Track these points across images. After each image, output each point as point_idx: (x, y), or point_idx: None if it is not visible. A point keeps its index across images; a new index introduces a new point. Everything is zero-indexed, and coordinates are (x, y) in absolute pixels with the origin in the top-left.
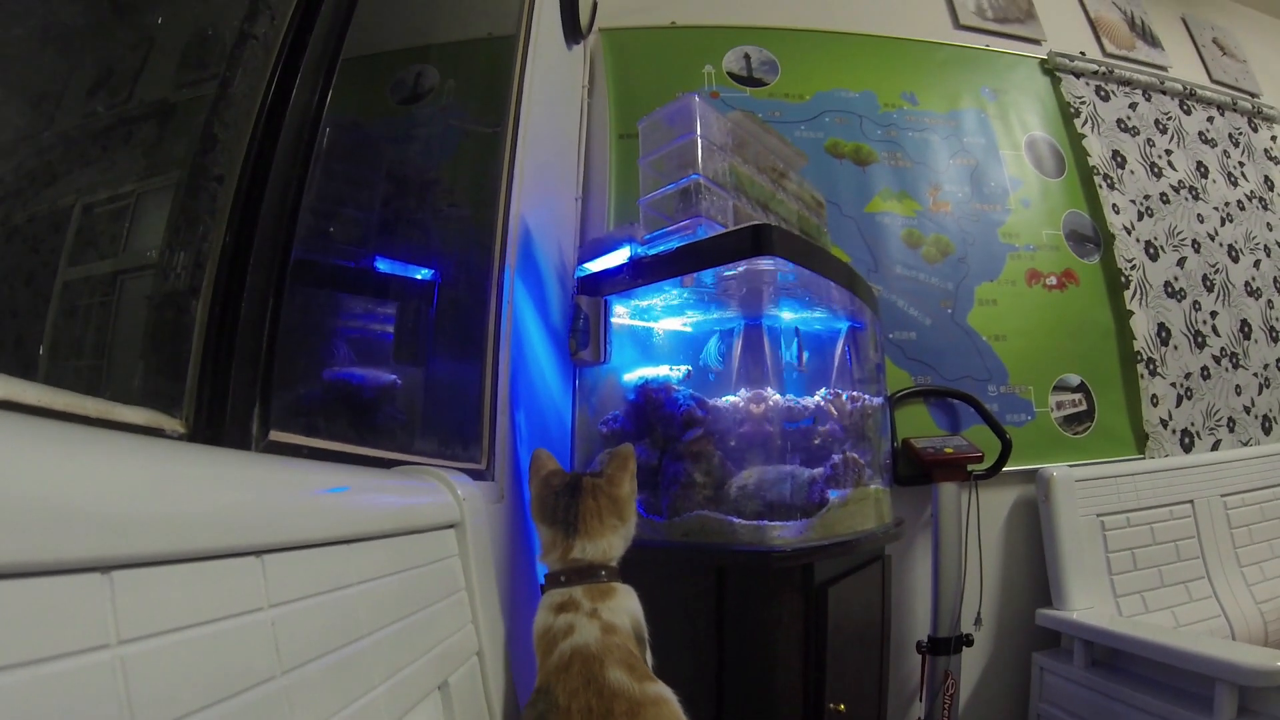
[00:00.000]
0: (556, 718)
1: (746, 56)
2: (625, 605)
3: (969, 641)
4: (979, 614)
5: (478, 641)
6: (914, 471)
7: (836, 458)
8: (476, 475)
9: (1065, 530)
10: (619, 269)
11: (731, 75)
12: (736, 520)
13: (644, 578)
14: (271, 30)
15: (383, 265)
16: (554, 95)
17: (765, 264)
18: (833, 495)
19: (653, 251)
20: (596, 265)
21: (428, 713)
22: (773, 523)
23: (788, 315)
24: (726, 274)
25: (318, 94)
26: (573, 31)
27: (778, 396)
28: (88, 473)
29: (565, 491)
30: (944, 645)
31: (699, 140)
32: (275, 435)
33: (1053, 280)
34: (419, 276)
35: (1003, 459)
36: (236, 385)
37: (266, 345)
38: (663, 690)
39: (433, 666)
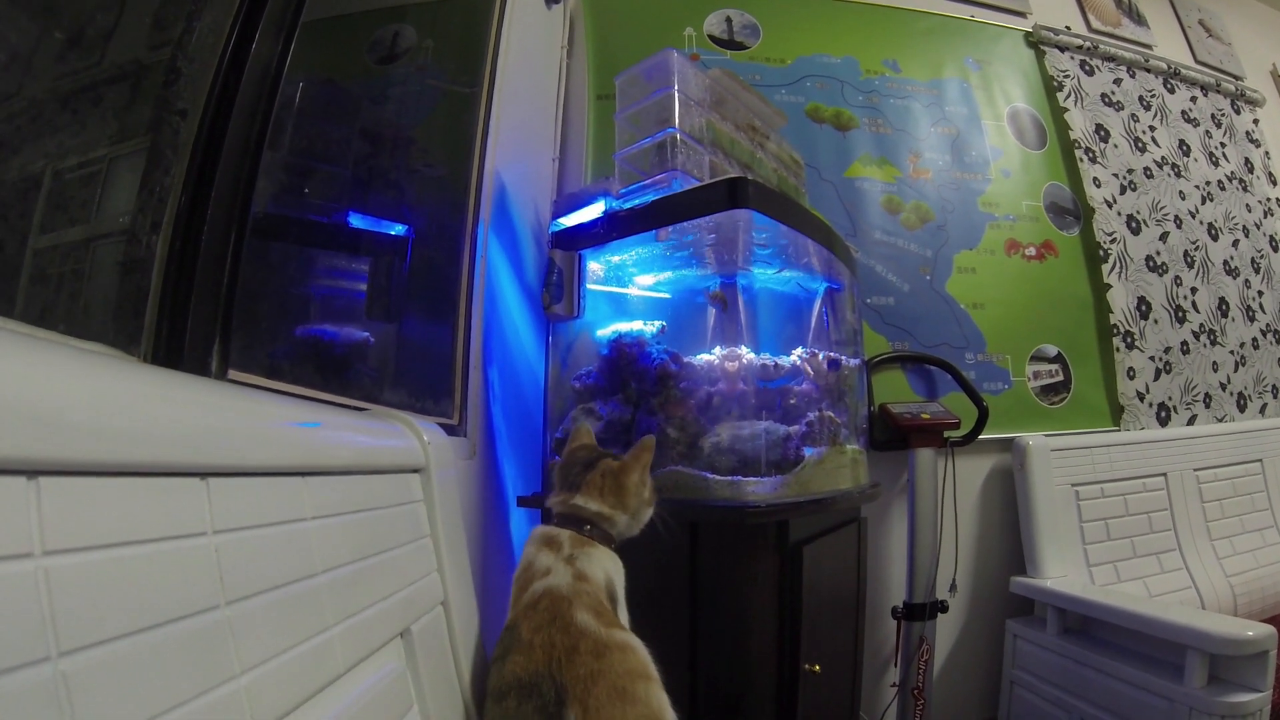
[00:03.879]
0: (519, 652)
1: (728, 19)
2: (603, 561)
3: (944, 608)
4: (954, 580)
5: (443, 591)
6: (890, 436)
7: (812, 415)
8: (448, 431)
9: (1040, 499)
10: (594, 223)
11: (712, 38)
12: (711, 475)
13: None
14: None
15: (356, 220)
16: (532, 55)
17: (741, 218)
18: (808, 452)
19: (627, 205)
20: (571, 220)
21: (388, 660)
22: (747, 478)
23: (762, 273)
24: (703, 229)
25: (283, 34)
26: None
27: (752, 354)
28: (21, 371)
29: (584, 465)
30: (919, 611)
31: (676, 95)
32: (234, 375)
33: (1032, 251)
34: (392, 232)
35: (979, 426)
36: (195, 322)
37: (227, 282)
38: (630, 639)
39: (395, 612)
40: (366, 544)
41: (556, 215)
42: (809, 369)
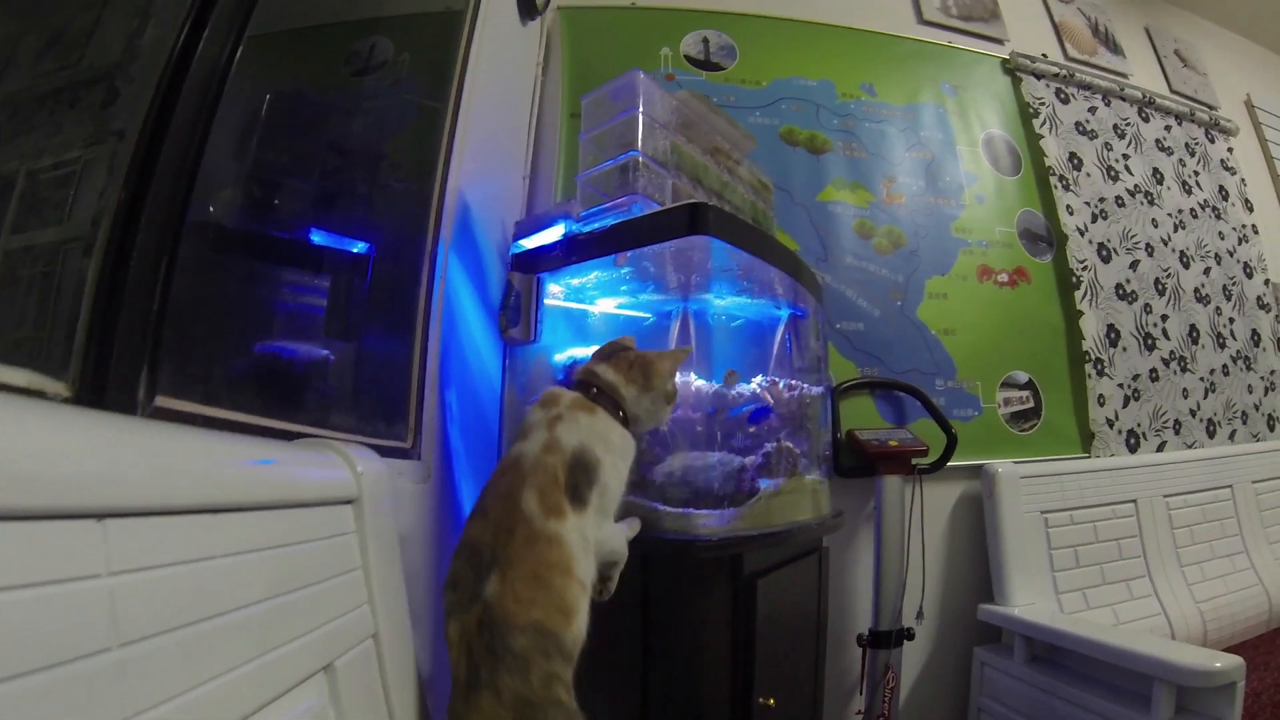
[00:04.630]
0: (479, 517)
1: (705, 40)
2: (590, 428)
3: (910, 635)
4: (921, 608)
5: (374, 624)
6: (857, 463)
7: (769, 446)
8: (401, 454)
9: (1009, 526)
10: (553, 246)
11: (689, 59)
12: (661, 507)
13: None
14: None
15: (317, 236)
16: (504, 72)
17: (699, 244)
18: (764, 484)
19: (587, 229)
20: (531, 242)
21: (308, 696)
22: (699, 511)
23: (721, 302)
24: (663, 254)
25: (225, 54)
26: (527, 7)
27: (701, 381)
28: None
29: (622, 349)
30: (885, 639)
31: (640, 116)
32: (162, 401)
33: (1004, 277)
34: (354, 249)
35: (948, 453)
36: (122, 349)
37: (157, 309)
38: (563, 531)
39: (316, 647)
40: (285, 579)
41: (518, 236)
42: (769, 397)
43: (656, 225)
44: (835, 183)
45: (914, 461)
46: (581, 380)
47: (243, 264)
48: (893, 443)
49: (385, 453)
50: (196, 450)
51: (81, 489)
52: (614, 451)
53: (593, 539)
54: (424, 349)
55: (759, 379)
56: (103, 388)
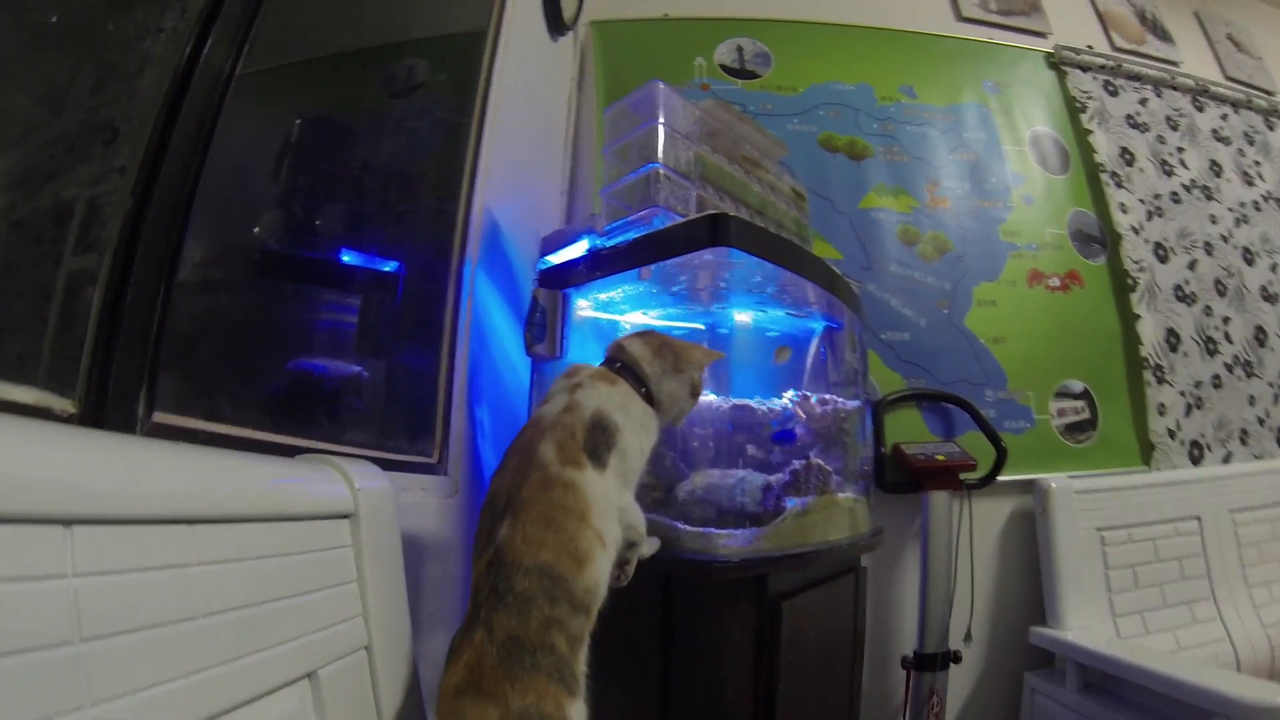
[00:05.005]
0: (501, 472)
1: (739, 49)
2: (607, 395)
3: (957, 658)
4: (969, 629)
5: (366, 636)
6: (903, 478)
7: (798, 463)
8: (428, 469)
9: (1063, 544)
10: (577, 261)
11: (724, 68)
12: (682, 526)
13: None
14: (182, 24)
15: (348, 256)
16: (534, 88)
17: (714, 256)
18: (791, 503)
19: (610, 243)
20: (557, 258)
21: (289, 701)
22: (720, 530)
23: (743, 316)
24: (689, 266)
25: (215, 98)
26: (555, 23)
27: (713, 396)
28: None
29: (656, 333)
30: (930, 661)
31: (660, 128)
32: (160, 417)
33: (1056, 281)
34: (376, 269)
35: (997, 468)
36: (121, 368)
37: (156, 330)
38: (580, 479)
39: (298, 655)
40: (266, 589)
41: (544, 253)
42: (801, 412)
43: (677, 237)
44: (877, 189)
45: (962, 477)
46: (609, 356)
47: (269, 285)
48: (940, 457)
49: (411, 469)
50: (171, 465)
51: (49, 498)
52: (634, 420)
53: (614, 501)
54: (450, 367)
55: (790, 394)
56: (105, 405)
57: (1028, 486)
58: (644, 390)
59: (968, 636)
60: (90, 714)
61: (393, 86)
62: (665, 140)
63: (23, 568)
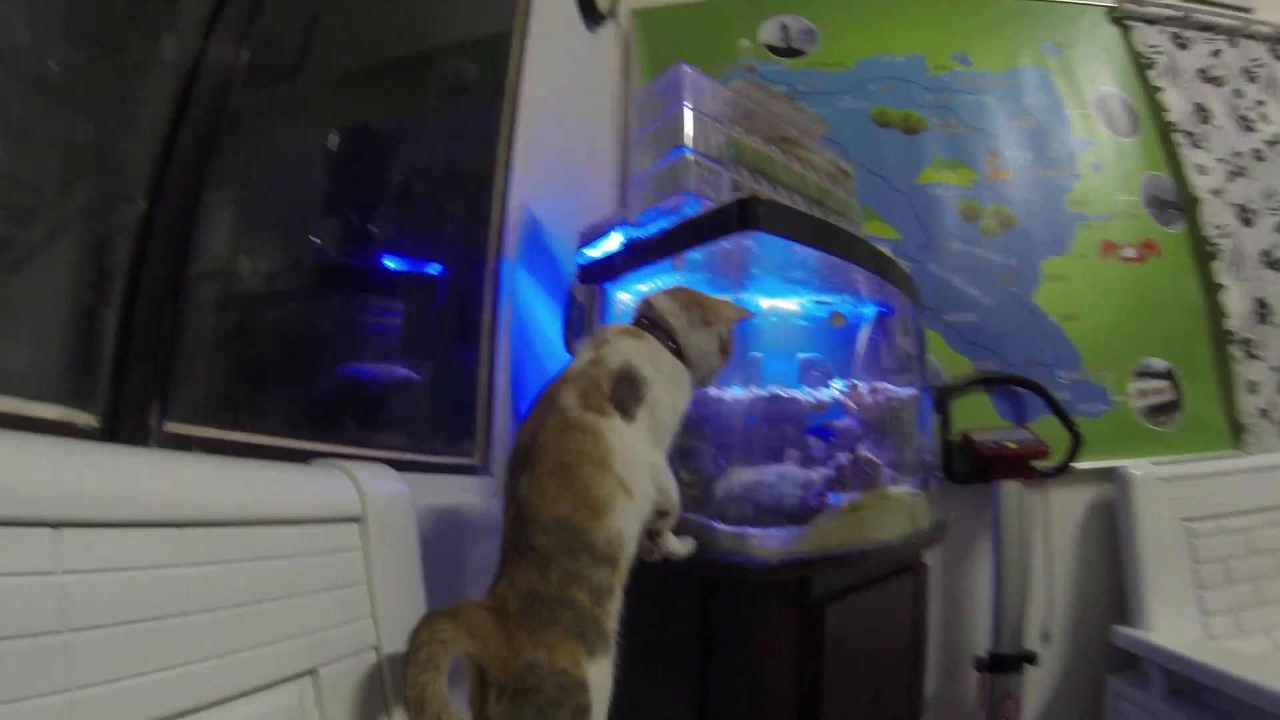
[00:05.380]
0: (524, 422)
1: (784, 26)
2: (633, 349)
3: (1033, 659)
4: (1046, 628)
5: (376, 636)
6: (972, 468)
7: (844, 458)
8: (469, 470)
9: (1146, 536)
10: (612, 254)
11: (769, 47)
12: (718, 525)
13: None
14: (179, 57)
15: (386, 262)
16: (573, 82)
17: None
18: (836, 500)
19: (642, 234)
20: (595, 251)
21: (286, 698)
22: (755, 530)
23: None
24: (724, 251)
25: (208, 139)
26: (591, 15)
27: (756, 389)
28: None
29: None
30: (1004, 662)
31: (688, 112)
32: (171, 427)
33: (1131, 252)
34: (412, 273)
35: (1073, 454)
36: (133, 383)
37: (165, 346)
38: (601, 424)
39: (296, 652)
40: (262, 588)
41: (582, 247)
42: (850, 403)
43: (706, 224)
44: (934, 163)
45: (1035, 464)
46: (637, 313)
47: (310, 293)
48: (1010, 444)
49: (451, 470)
50: (162, 474)
51: (38, 503)
52: (663, 374)
53: (645, 456)
54: (491, 367)
55: (838, 384)
56: (119, 417)
57: (1107, 474)
58: (673, 345)
59: (1045, 636)
60: (75, 696)
61: (421, 95)
62: (693, 125)
63: (11, 565)
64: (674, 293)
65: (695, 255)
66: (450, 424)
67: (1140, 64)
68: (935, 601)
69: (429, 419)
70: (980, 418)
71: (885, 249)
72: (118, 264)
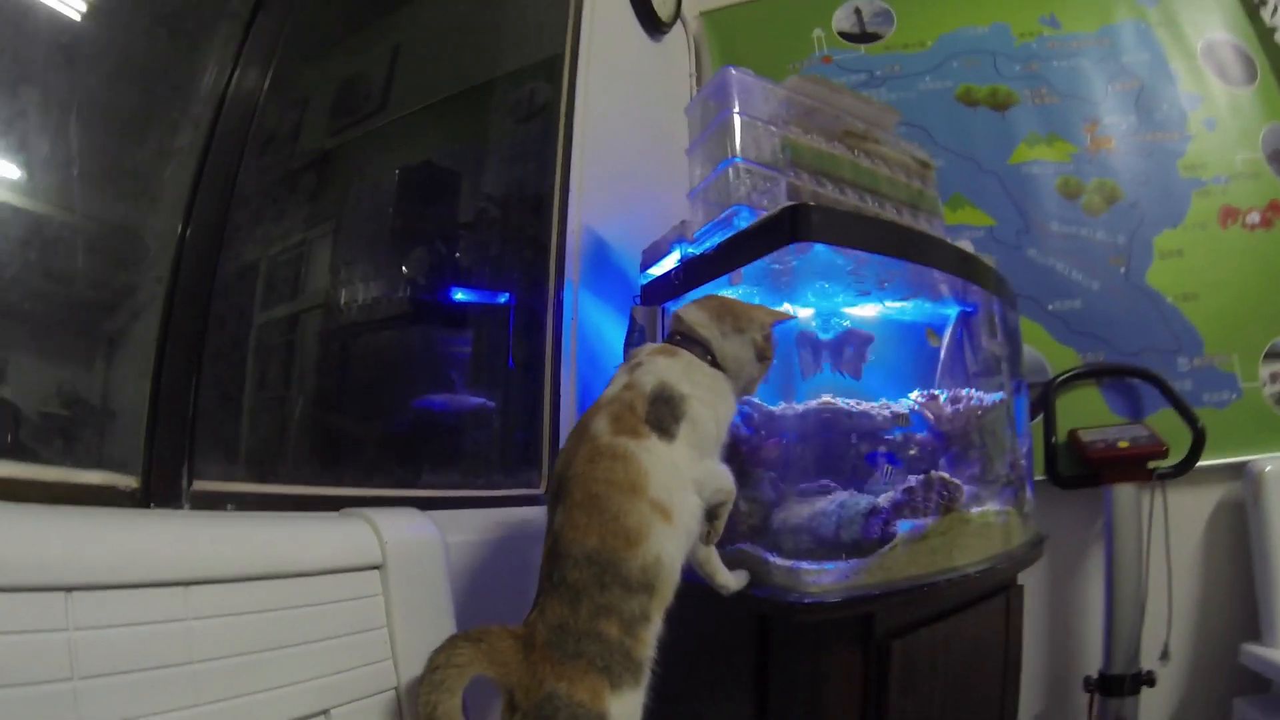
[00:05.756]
0: (561, 451)
1: (857, 11)
2: (667, 368)
3: (1150, 680)
4: (1166, 646)
5: (396, 678)
6: (1080, 471)
7: (914, 480)
8: (533, 501)
9: None
10: (670, 273)
11: (843, 35)
12: (772, 559)
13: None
14: (180, 165)
15: (460, 294)
16: (639, 94)
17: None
18: (903, 528)
19: (698, 250)
20: (658, 270)
21: None
22: (809, 565)
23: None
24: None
25: (214, 243)
26: (652, 25)
27: (838, 401)
28: None
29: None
30: (1117, 684)
31: (735, 118)
32: (200, 485)
33: (1254, 217)
34: (464, 306)
35: (1195, 451)
36: (163, 446)
37: (191, 416)
38: (635, 448)
39: (305, 696)
40: (268, 638)
41: (644, 267)
42: (929, 414)
43: (755, 237)
44: (1027, 139)
45: (1151, 465)
46: (670, 329)
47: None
48: (1122, 443)
49: (513, 503)
50: (168, 537)
51: (51, 571)
52: (702, 387)
53: (688, 473)
54: (556, 394)
55: (916, 394)
56: (159, 478)
57: (1236, 471)
58: (709, 357)
59: (1164, 654)
60: None
61: (483, 126)
62: (742, 130)
63: (27, 624)
64: (703, 303)
65: (753, 268)
66: (512, 456)
67: (1250, 4)
68: (1041, 617)
69: (490, 454)
70: (1090, 415)
71: (967, 243)
72: (150, 337)
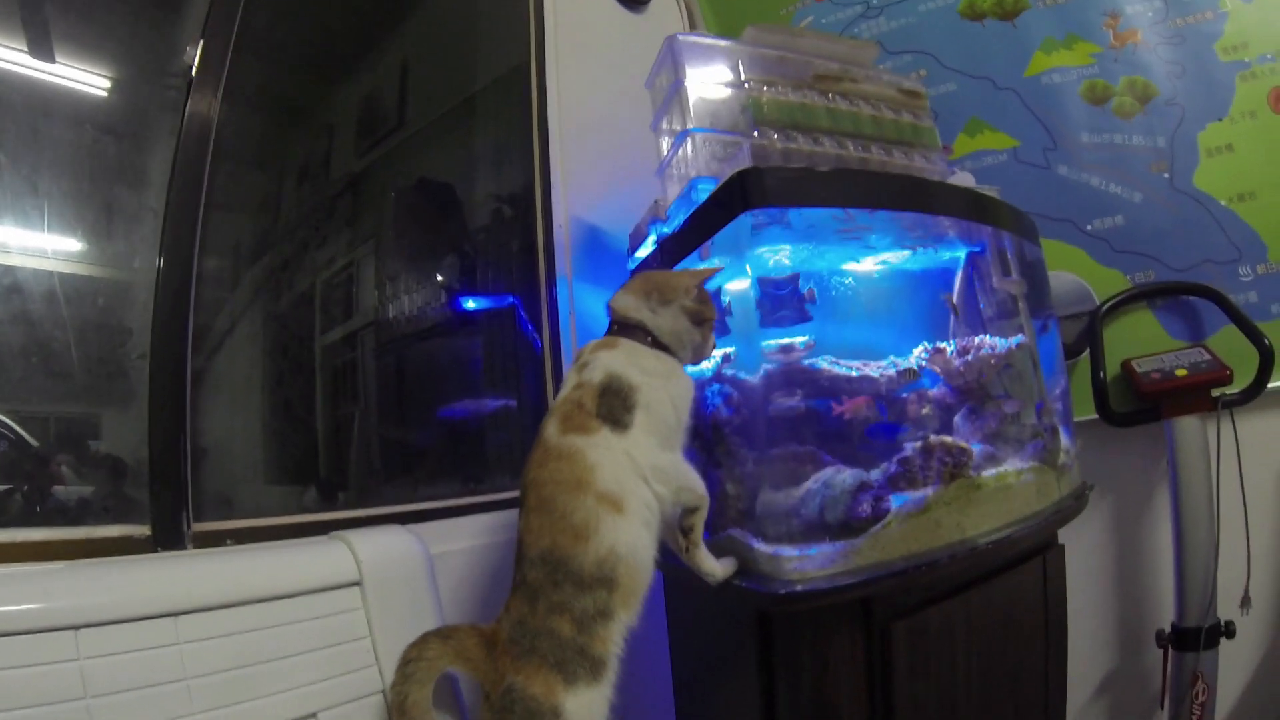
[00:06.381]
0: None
1: None
2: (610, 360)
3: (1229, 631)
4: (1246, 593)
5: (381, 682)
6: (1136, 406)
7: (910, 448)
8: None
9: None
10: (649, 257)
11: None
12: (757, 544)
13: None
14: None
15: (468, 302)
16: (620, 72)
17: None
18: (899, 502)
19: (669, 230)
20: (642, 254)
21: None
22: (790, 550)
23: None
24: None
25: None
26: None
27: (831, 365)
28: None
29: (640, 276)
30: (1192, 638)
31: (686, 88)
32: (198, 527)
33: None
34: (454, 316)
35: (1265, 372)
36: (163, 497)
37: (187, 466)
38: (580, 442)
39: (293, 701)
40: (259, 652)
41: (631, 250)
42: (938, 368)
43: (710, 210)
44: (1044, 46)
45: (1215, 392)
46: (609, 323)
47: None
48: (1180, 371)
49: (513, 504)
50: (158, 578)
51: (60, 615)
52: (649, 372)
53: (645, 461)
54: (557, 392)
55: (920, 349)
56: (162, 525)
57: None
58: (649, 338)
59: (1245, 602)
60: None
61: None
62: (696, 99)
63: (45, 658)
64: (630, 285)
65: (723, 238)
66: (509, 464)
67: None
68: (1107, 569)
69: (484, 463)
70: (1145, 342)
71: (967, 176)
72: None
